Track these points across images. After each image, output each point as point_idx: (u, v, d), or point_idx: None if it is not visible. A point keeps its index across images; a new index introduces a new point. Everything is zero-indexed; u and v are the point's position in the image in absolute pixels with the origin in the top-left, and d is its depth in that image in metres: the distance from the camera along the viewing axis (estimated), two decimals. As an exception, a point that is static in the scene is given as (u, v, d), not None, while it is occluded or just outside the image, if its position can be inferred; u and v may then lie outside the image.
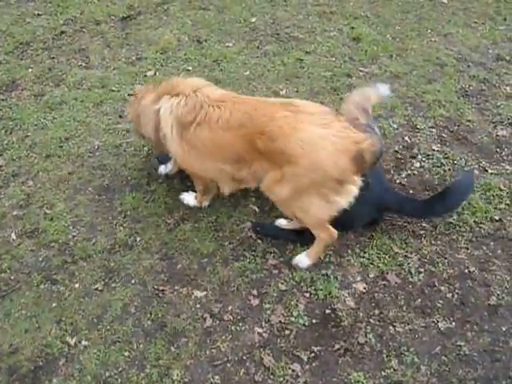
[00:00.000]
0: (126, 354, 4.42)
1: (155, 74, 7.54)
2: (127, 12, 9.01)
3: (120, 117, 6.74)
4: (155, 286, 4.89)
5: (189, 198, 5.59)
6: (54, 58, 7.98)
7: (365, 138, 4.33)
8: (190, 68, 7.65)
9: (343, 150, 4.26)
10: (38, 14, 9.05)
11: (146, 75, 7.50)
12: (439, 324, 4.62)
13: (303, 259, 4.99)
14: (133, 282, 4.93)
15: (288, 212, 4.87)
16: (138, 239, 5.28)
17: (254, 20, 8.86)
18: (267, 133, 4.38)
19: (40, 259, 5.11)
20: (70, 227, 5.37)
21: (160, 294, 4.83)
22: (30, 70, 7.73)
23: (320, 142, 4.27)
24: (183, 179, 5.78)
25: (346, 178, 4.41)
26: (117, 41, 8.28)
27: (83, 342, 4.49)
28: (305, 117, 4.37)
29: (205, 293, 4.83)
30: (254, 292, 4.84)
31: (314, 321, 4.63)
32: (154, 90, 5.21)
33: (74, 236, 5.30)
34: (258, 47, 8.19)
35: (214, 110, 4.63)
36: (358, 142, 4.30)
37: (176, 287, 4.89)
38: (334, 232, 4.87)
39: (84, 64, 7.78)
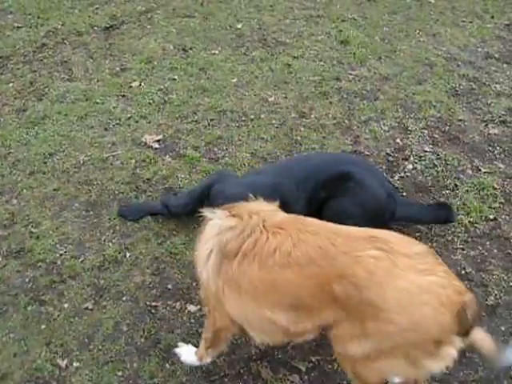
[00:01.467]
0: (120, 373, 4.29)
1: (140, 84, 7.42)
2: (110, 22, 8.86)
3: (105, 129, 6.62)
4: (147, 302, 4.77)
5: (186, 354, 4.34)
6: (35, 71, 7.81)
7: (466, 290, 3.41)
8: (176, 77, 7.54)
9: (447, 304, 3.24)
10: (18, 27, 8.87)
11: (131, 86, 7.37)
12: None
13: None
14: (124, 298, 4.81)
15: (353, 370, 3.66)
16: (128, 255, 5.15)
17: (240, 26, 8.76)
18: (350, 277, 3.28)
19: (27, 280, 4.97)
20: (57, 245, 5.23)
21: (152, 310, 4.71)
22: (10, 84, 7.57)
23: (422, 294, 3.24)
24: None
25: (446, 339, 3.35)
26: (100, 52, 8.13)
27: (74, 364, 4.35)
28: (401, 259, 3.29)
29: (198, 307, 4.69)
30: (249, 304, 4.72)
31: (311, 331, 4.51)
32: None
33: (61, 254, 5.15)
34: (244, 53, 8.09)
35: (269, 238, 3.47)
36: (461, 294, 3.31)
37: (169, 302, 4.77)
38: None
39: (67, 77, 7.63)
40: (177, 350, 4.37)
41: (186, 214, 5.30)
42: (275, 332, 3.70)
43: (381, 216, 5.00)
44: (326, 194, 4.85)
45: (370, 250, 3.30)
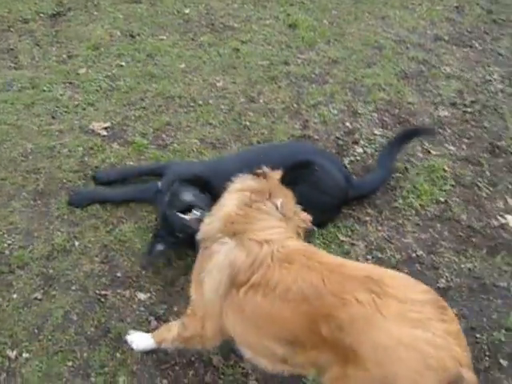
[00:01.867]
0: (70, 363, 4.23)
1: (87, 71, 7.30)
2: (56, 9, 8.68)
3: (53, 118, 6.49)
4: (97, 291, 4.70)
5: (139, 340, 4.32)
6: (-19, 60, 7.68)
7: (468, 362, 2.98)
8: (124, 63, 7.45)
9: (435, 369, 2.86)
10: (-38, 16, 8.71)
11: (78, 73, 7.25)
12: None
13: None
14: (73, 288, 4.73)
15: None
16: (77, 243, 5.06)
17: (187, 11, 8.68)
18: (335, 319, 3.13)
19: (-26, 271, 4.89)
20: (5, 235, 5.12)
21: (102, 299, 4.65)
22: (-44, 74, 7.42)
23: (401, 349, 2.91)
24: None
25: None
26: (46, 39, 7.97)
27: (24, 355, 4.27)
28: (391, 304, 3.02)
29: (148, 295, 4.67)
30: (200, 290, 4.69)
31: (261, 316, 4.50)
32: None
33: (9, 244, 5.05)
34: (192, 39, 8.03)
35: (275, 271, 3.41)
36: (458, 362, 2.89)
37: (118, 291, 4.71)
38: None
39: (13, 65, 7.47)
40: (128, 338, 4.34)
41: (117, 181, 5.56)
42: (274, 359, 3.61)
43: (341, 199, 5.15)
44: (287, 182, 4.84)
45: (359, 292, 3.11)
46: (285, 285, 3.32)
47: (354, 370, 3.07)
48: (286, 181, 4.42)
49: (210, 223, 3.82)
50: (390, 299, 3.02)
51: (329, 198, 4.98)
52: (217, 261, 3.64)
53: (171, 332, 4.07)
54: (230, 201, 3.82)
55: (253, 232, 3.61)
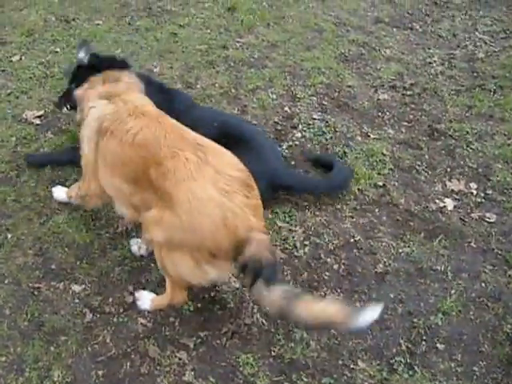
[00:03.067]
0: (3, 358, 4.13)
1: (21, 58, 7.15)
2: (-10, -6, 8.52)
3: (-16, 107, 6.35)
4: (30, 284, 4.59)
5: (58, 193, 5.25)
6: None
7: (260, 231, 3.73)
8: (58, 50, 7.32)
9: (229, 228, 3.63)
10: None
11: (11, 60, 7.10)
12: (327, 297, 4.53)
13: (146, 301, 4.50)
14: (6, 281, 4.61)
15: (158, 257, 4.11)
16: (10, 236, 4.95)
17: (125, -5, 8.55)
18: (162, 167, 3.80)
19: None
20: None
21: (35, 292, 4.54)
22: None
23: (209, 207, 3.65)
24: (54, 168, 5.52)
25: (221, 256, 3.75)
26: (-22, 26, 7.81)
27: (-44, 350, 4.19)
28: (208, 171, 3.72)
29: (83, 286, 4.58)
30: (135, 281, 4.63)
31: (198, 305, 4.46)
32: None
33: None
34: (129, 23, 7.95)
35: (131, 120, 4.07)
36: (249, 230, 3.67)
37: (52, 283, 4.61)
38: (185, 299, 4.34)
39: None
40: (53, 189, 5.27)
41: None
42: (124, 200, 4.29)
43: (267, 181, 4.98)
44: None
45: (188, 152, 3.79)
46: (134, 130, 3.98)
47: (168, 216, 3.77)
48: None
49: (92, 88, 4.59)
50: (209, 166, 3.73)
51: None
52: (91, 115, 4.34)
53: (74, 190, 4.96)
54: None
55: (123, 96, 4.33)
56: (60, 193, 5.21)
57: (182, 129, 4.12)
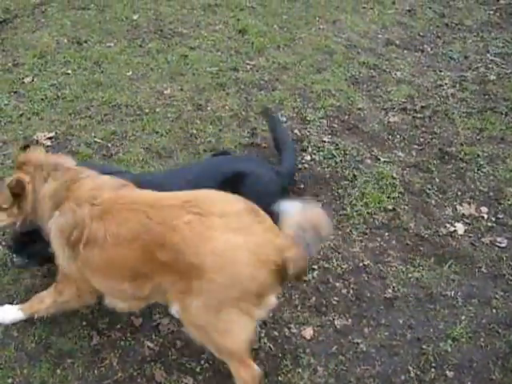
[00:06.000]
0: (10, 380, 4.13)
1: (33, 80, 7.20)
2: (3, 15, 8.62)
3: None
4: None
5: (5, 313, 4.46)
6: None
7: (290, 245, 3.50)
8: (70, 71, 7.36)
9: (264, 262, 3.45)
10: None
11: (23, 82, 7.16)
12: (335, 322, 4.53)
13: None
14: (14, 302, 4.59)
15: (204, 338, 3.79)
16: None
17: (136, 17, 8.64)
18: (169, 244, 3.52)
19: None
20: None
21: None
22: None
23: (237, 253, 3.45)
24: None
25: (266, 292, 3.60)
26: (-8, 47, 7.88)
27: (-37, 375, 4.17)
28: (214, 221, 3.50)
29: (90, 309, 4.55)
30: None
31: (206, 330, 4.43)
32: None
33: None
34: (140, 45, 7.98)
35: (99, 225, 3.72)
36: (281, 250, 3.49)
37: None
38: (257, 371, 3.84)
39: (-43, 74, 7.36)
40: None
41: None
42: (124, 296, 3.98)
43: (278, 189, 4.97)
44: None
45: (183, 216, 3.54)
46: (113, 233, 3.67)
47: (198, 283, 3.50)
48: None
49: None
50: (211, 215, 3.52)
51: (268, 193, 4.84)
52: (53, 232, 3.96)
53: (44, 302, 4.32)
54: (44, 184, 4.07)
55: (67, 199, 3.90)
56: (7, 313, 4.45)
57: (154, 196, 3.87)
